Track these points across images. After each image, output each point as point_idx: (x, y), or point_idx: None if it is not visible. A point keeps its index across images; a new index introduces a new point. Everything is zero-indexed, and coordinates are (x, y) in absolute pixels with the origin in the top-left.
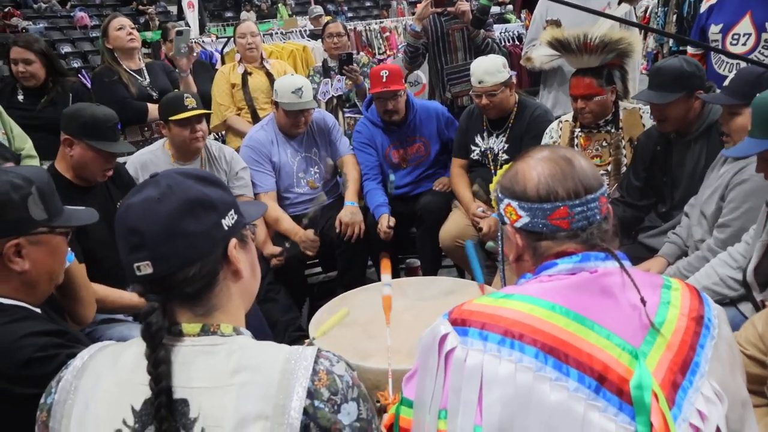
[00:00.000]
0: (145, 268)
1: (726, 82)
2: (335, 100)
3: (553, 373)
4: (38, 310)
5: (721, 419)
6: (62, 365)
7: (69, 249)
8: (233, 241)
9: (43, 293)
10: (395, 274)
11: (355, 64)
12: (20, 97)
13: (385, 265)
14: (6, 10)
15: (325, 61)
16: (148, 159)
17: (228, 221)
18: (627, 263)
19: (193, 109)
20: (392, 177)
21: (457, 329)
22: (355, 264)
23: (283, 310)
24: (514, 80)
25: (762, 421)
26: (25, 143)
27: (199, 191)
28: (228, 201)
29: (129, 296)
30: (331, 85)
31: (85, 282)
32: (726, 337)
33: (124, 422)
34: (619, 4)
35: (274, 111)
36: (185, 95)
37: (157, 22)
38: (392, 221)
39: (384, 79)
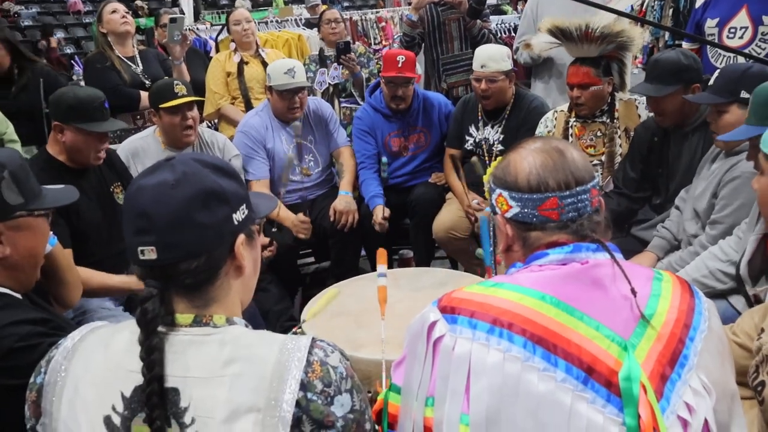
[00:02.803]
0: (149, 254)
1: (711, 81)
2: (331, 89)
3: (541, 363)
4: (19, 296)
5: (709, 412)
6: (44, 354)
7: (51, 233)
8: (241, 237)
9: (30, 277)
10: (389, 265)
11: (352, 53)
12: None
13: (381, 256)
14: None
15: (321, 51)
16: (138, 146)
17: (239, 216)
18: (618, 255)
19: (183, 96)
20: (384, 159)
21: (446, 317)
22: (348, 254)
23: (276, 300)
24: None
25: (749, 412)
26: (6, 127)
27: (215, 182)
28: (241, 195)
29: (114, 279)
30: (327, 73)
31: (69, 264)
32: (716, 330)
33: (114, 408)
34: None
35: (268, 97)
36: (175, 82)
37: (147, 11)
38: (387, 212)
39: (399, 64)
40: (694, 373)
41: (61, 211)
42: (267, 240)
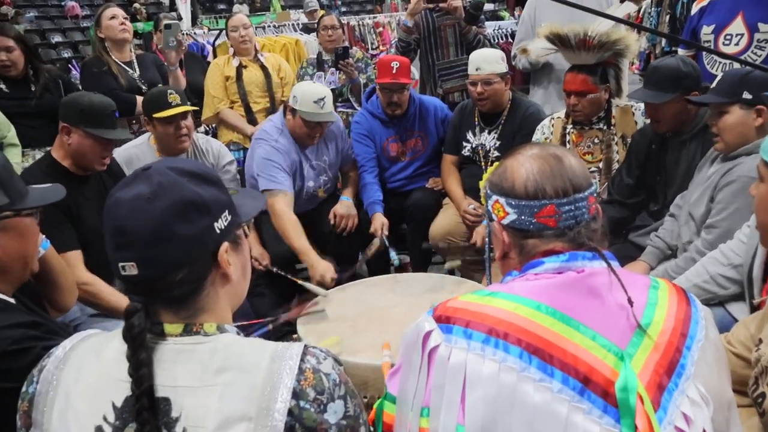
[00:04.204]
0: (131, 269)
1: (713, 84)
2: None
3: (537, 373)
4: (13, 300)
5: (707, 422)
6: (38, 358)
7: (44, 237)
8: (225, 245)
9: (18, 279)
10: (386, 270)
11: (350, 59)
12: (2, 86)
13: (386, 346)
14: None
15: (319, 54)
16: (133, 154)
17: (221, 223)
18: (615, 263)
19: (177, 105)
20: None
21: (442, 326)
22: (346, 259)
23: (271, 305)
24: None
25: (747, 421)
26: (8, 131)
27: (192, 191)
28: (222, 201)
29: (124, 299)
30: (324, 78)
31: (62, 268)
32: (713, 339)
33: (105, 419)
34: (622, 2)
35: (288, 116)
36: (169, 91)
37: (145, 15)
38: (386, 225)
39: (394, 71)
40: (692, 383)
41: (67, 215)
42: (265, 254)
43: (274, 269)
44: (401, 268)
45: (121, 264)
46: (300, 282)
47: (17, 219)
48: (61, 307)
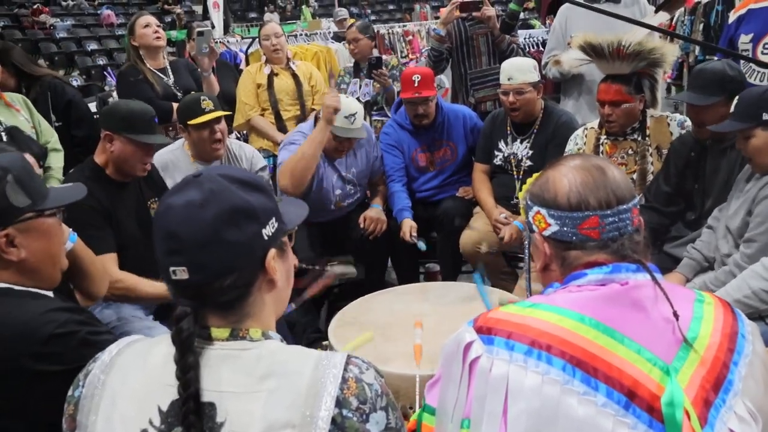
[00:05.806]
0: (181, 274)
1: (731, 108)
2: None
3: (581, 386)
4: (51, 294)
5: None
6: (83, 342)
7: (71, 230)
8: (272, 251)
9: (51, 278)
10: (415, 278)
11: (384, 68)
12: None
13: (418, 324)
14: (35, 6)
15: (356, 63)
16: (168, 159)
17: (268, 230)
18: (659, 276)
19: (210, 111)
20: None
21: (483, 338)
22: (376, 267)
23: (302, 312)
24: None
25: None
26: (51, 137)
27: (242, 199)
28: (270, 208)
29: (160, 286)
30: (359, 87)
31: (92, 258)
32: (760, 353)
33: (151, 422)
34: (657, 12)
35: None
36: (202, 97)
37: (184, 22)
38: (414, 228)
39: (416, 84)
40: (739, 399)
41: (107, 220)
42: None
43: (302, 265)
44: (431, 277)
45: (172, 269)
46: (328, 268)
47: (40, 220)
48: (92, 295)
